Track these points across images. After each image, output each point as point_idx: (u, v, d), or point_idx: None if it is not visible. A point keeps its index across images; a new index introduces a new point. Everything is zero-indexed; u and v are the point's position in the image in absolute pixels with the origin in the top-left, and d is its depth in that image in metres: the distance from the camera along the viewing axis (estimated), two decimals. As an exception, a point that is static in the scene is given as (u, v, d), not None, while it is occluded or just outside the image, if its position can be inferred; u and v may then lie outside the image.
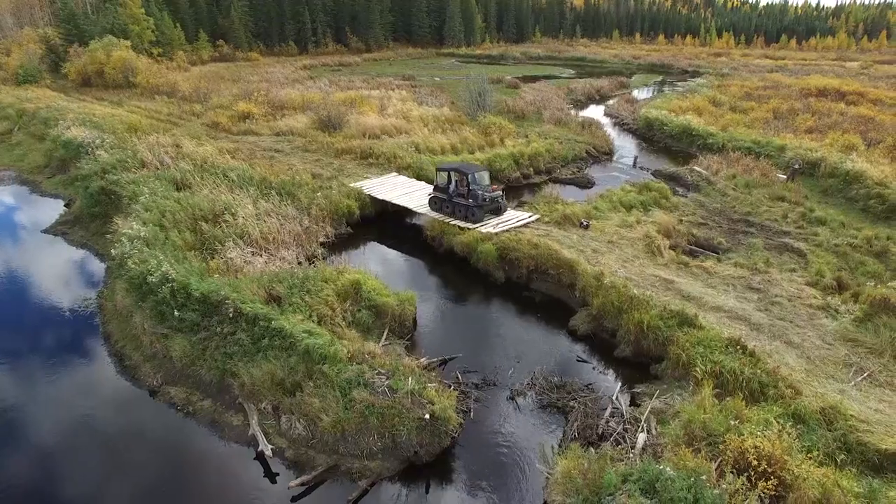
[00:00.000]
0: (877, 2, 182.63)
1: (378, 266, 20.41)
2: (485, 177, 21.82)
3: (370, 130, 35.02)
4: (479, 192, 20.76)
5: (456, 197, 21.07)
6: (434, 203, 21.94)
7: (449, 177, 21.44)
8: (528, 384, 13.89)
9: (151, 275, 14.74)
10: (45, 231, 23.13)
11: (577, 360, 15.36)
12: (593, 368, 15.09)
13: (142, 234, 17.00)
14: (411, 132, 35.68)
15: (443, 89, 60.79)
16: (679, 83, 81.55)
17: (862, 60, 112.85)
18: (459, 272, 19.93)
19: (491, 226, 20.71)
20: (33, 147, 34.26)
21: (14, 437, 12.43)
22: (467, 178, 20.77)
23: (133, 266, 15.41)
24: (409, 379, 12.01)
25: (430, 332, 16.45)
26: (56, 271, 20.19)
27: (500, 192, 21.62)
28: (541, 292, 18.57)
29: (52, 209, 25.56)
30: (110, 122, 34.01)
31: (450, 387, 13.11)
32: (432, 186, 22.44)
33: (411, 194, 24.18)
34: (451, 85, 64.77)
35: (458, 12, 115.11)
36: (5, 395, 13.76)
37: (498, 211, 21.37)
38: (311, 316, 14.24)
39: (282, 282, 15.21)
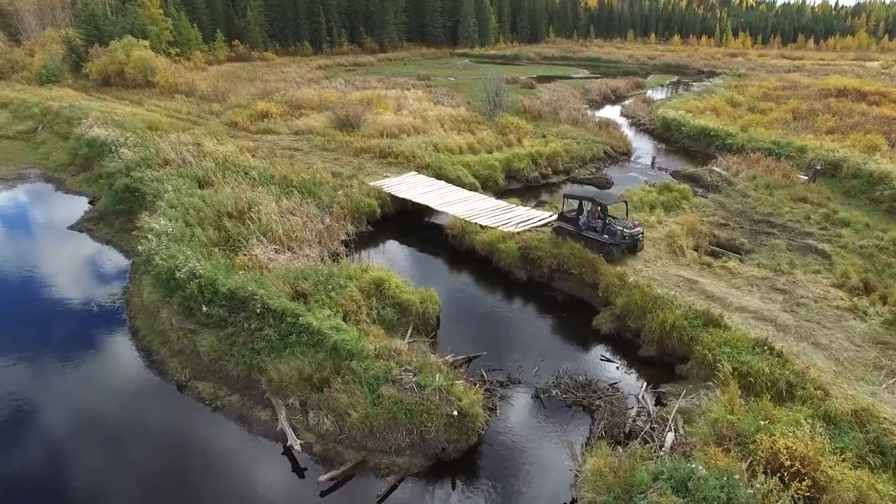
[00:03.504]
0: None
1: (400, 264, 20.53)
2: (622, 208, 19.54)
3: (387, 130, 35.17)
4: (619, 228, 17.95)
5: (587, 230, 18.45)
6: (559, 232, 19.20)
7: (580, 206, 19.02)
8: (554, 383, 13.88)
9: (179, 270, 14.94)
10: (72, 228, 23.51)
11: (602, 360, 15.34)
12: (617, 368, 15.05)
13: (169, 229, 17.23)
14: (428, 132, 35.76)
15: (458, 89, 60.87)
16: (695, 83, 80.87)
17: (883, 60, 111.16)
18: (481, 271, 19.97)
19: (512, 225, 20.71)
20: (57, 145, 34.83)
21: (43, 431, 12.67)
22: (604, 210, 18.17)
23: (161, 262, 15.63)
24: (437, 376, 12.06)
25: (454, 330, 16.51)
26: (83, 267, 20.55)
27: (641, 230, 18.65)
28: (563, 291, 18.54)
29: (78, 206, 25.96)
30: (131, 120, 34.51)
31: (475, 384, 13.15)
32: (557, 214, 19.93)
33: (431, 193, 24.26)
34: (466, 85, 64.87)
35: (472, 13, 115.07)
36: (37, 389, 14.03)
37: (634, 249, 18.50)
38: (336, 312, 14.35)
39: (307, 278, 15.34)
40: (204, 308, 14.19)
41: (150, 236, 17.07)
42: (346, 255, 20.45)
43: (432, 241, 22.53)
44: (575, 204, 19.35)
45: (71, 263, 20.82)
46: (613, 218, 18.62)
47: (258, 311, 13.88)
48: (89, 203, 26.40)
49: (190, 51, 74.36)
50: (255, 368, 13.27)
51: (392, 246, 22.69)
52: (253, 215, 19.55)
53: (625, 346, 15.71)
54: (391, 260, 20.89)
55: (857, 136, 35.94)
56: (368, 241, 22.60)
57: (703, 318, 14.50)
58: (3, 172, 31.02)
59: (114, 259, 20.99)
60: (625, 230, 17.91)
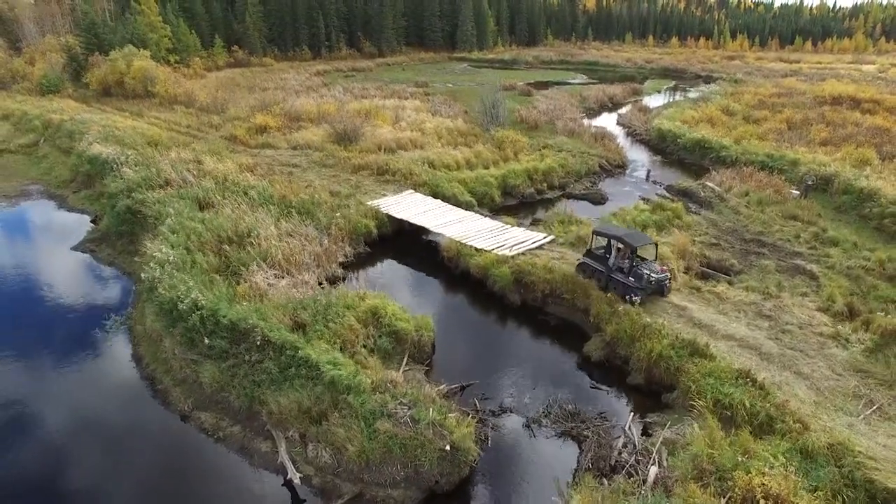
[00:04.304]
0: None
1: (396, 287, 20.97)
2: (651, 251, 18.78)
3: (385, 144, 35.63)
4: (646, 272, 17.38)
5: (615, 271, 17.93)
6: (584, 270, 18.76)
7: (609, 245, 18.35)
8: (544, 412, 14.36)
9: (181, 301, 15.40)
10: (74, 248, 23.94)
11: (591, 387, 15.81)
12: (607, 395, 15.53)
13: (171, 258, 17.67)
14: (426, 146, 36.27)
15: (456, 97, 61.27)
16: (692, 88, 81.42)
17: (879, 63, 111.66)
18: (476, 294, 20.43)
19: (507, 248, 21.17)
20: (59, 160, 35.28)
21: (49, 456, 13.12)
22: (633, 252, 17.48)
23: (164, 292, 16.07)
24: (431, 410, 12.52)
25: (449, 357, 16.97)
26: (86, 290, 20.99)
27: (668, 274, 18.05)
28: (556, 316, 19.02)
29: (80, 226, 26.40)
30: (132, 135, 34.90)
31: (468, 415, 13.61)
32: (584, 252, 19.30)
33: (427, 213, 24.71)
34: (463, 92, 65.32)
35: (471, 17, 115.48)
36: (42, 414, 14.48)
37: (661, 293, 17.98)
38: (334, 343, 14.82)
39: (306, 308, 15.80)
40: (206, 340, 14.65)
41: (152, 264, 17.50)
42: (344, 279, 20.94)
43: (428, 261, 22.98)
44: (604, 242, 18.59)
45: (75, 286, 21.26)
46: (642, 259, 18.06)
47: (259, 343, 14.34)
48: (91, 222, 26.85)
49: (189, 57, 74.76)
50: (256, 400, 13.74)
51: (389, 268, 23.13)
52: (253, 240, 19.98)
53: (614, 373, 16.18)
54: (388, 282, 21.34)
55: (849, 148, 36.42)
56: (366, 262, 23.07)
57: (690, 348, 14.97)
58: (7, 189, 31.46)
59: (116, 282, 21.45)
60: (651, 274, 17.35)
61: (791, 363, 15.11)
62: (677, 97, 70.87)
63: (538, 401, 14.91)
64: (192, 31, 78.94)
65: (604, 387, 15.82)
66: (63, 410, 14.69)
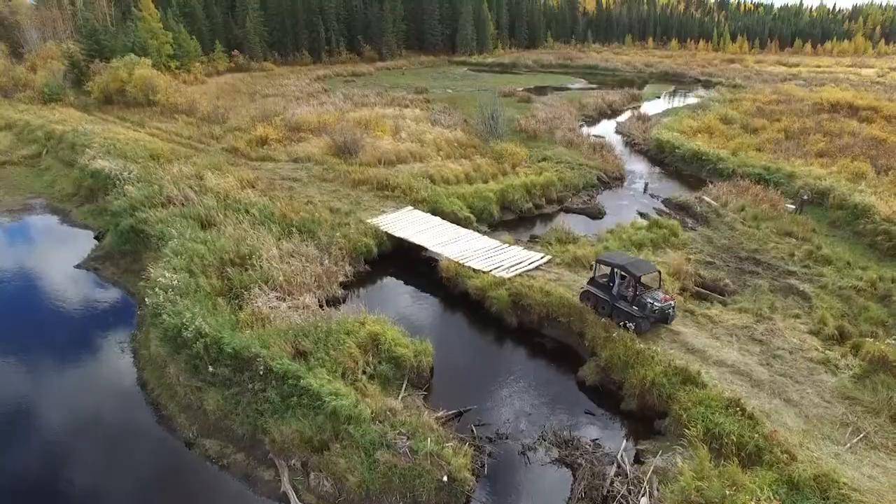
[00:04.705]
0: None
1: (396, 308, 21.30)
2: (656, 279, 18.72)
3: (385, 156, 36.00)
4: (649, 301, 17.38)
5: (619, 300, 17.92)
6: (588, 298, 18.78)
7: (612, 273, 18.29)
8: (539, 438, 14.74)
9: (186, 329, 15.76)
10: (79, 266, 24.29)
11: (586, 412, 16.17)
12: (600, 420, 15.90)
13: (174, 283, 18.02)
14: (426, 158, 36.65)
15: (455, 104, 61.63)
16: (691, 94, 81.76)
17: (878, 67, 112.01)
18: (473, 315, 20.79)
19: (504, 268, 21.53)
20: (62, 173, 35.62)
21: (55, 482, 13.50)
22: (636, 281, 17.45)
23: (168, 319, 16.43)
24: (429, 440, 12.89)
25: (447, 380, 17.31)
26: (91, 310, 21.36)
27: (672, 303, 17.99)
28: (552, 338, 19.39)
29: (84, 242, 26.74)
30: (134, 148, 35.23)
31: (465, 442, 13.99)
32: (588, 279, 19.21)
33: (426, 232, 25.06)
34: (463, 99, 65.63)
35: (471, 20, 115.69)
36: (48, 437, 14.86)
37: (665, 321, 17.99)
38: (335, 370, 15.19)
39: (307, 336, 16.16)
40: (210, 368, 15.01)
41: (157, 290, 17.85)
42: (345, 300, 21.31)
43: (427, 279, 23.30)
44: (608, 271, 18.53)
45: (80, 306, 21.63)
46: (646, 287, 18.05)
47: (261, 372, 14.71)
48: (95, 238, 27.19)
49: (190, 63, 75.06)
50: (259, 428, 14.11)
51: (388, 287, 23.49)
52: (255, 262, 20.34)
53: (608, 398, 16.54)
54: (387, 303, 21.69)
55: (844, 161, 36.79)
56: (366, 280, 23.44)
57: (682, 376, 15.33)
58: (10, 203, 31.82)
59: (120, 302, 21.81)
60: (655, 303, 17.31)
61: (781, 390, 15.48)
62: (676, 103, 71.15)
63: (534, 426, 15.28)
64: (193, 37, 79.19)
65: (598, 412, 16.19)
66: (69, 434, 15.09)
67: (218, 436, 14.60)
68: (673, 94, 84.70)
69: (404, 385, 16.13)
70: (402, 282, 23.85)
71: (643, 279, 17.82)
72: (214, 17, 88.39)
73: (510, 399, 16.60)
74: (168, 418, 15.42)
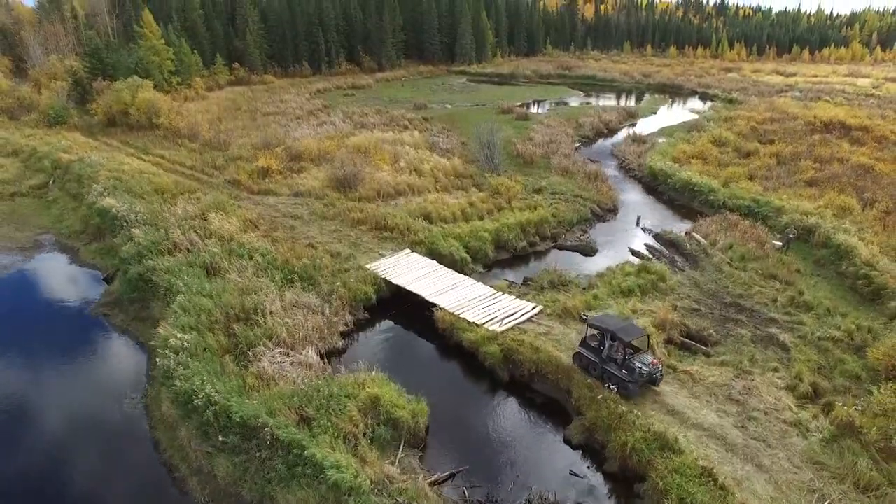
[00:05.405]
0: (894, 8, 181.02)
1: (393, 358, 22.29)
2: (644, 341, 19.47)
3: (384, 189, 37.10)
4: (638, 366, 18.15)
5: (608, 363, 18.78)
6: (580, 360, 19.65)
7: (602, 337, 19.15)
8: (526, 503, 15.77)
9: (197, 396, 16.79)
10: (89, 313, 25.31)
11: (571, 473, 17.21)
12: (584, 481, 16.93)
13: (184, 345, 19.05)
14: (423, 191, 37.69)
15: (454, 122, 62.63)
16: (687, 108, 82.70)
17: (874, 77, 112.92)
18: (468, 366, 21.81)
19: (497, 321, 22.57)
20: (69, 206, 36.65)
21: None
22: (625, 346, 18.32)
23: (179, 384, 17.47)
24: (423, 513, 13.95)
25: (442, 439, 18.33)
26: (103, 361, 22.45)
27: (660, 367, 18.77)
28: (541, 393, 20.42)
29: (93, 284, 27.81)
30: (139, 181, 36.21)
31: (457, 509, 15.05)
32: (580, 340, 20.00)
33: (424, 277, 26.08)
34: (461, 116, 66.58)
35: (469, 29, 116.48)
36: (62, 494, 15.89)
37: (654, 383, 18.74)
38: (337, 436, 16.24)
39: (311, 401, 17.20)
40: (220, 437, 16.05)
41: (167, 351, 18.88)
42: (345, 350, 22.36)
43: (424, 327, 24.17)
44: (598, 335, 19.28)
45: (92, 355, 22.71)
46: (635, 350, 18.84)
47: (268, 440, 15.74)
48: (104, 280, 28.20)
49: (191, 77, 75.99)
50: (267, 496, 15.17)
51: (387, 336, 24.47)
52: (259, 319, 21.38)
53: (593, 458, 17.59)
54: (385, 353, 22.72)
55: (832, 195, 37.78)
56: (366, 327, 24.47)
57: (660, 442, 16.38)
58: (21, 239, 32.83)
59: (131, 352, 22.82)
60: (643, 368, 18.09)
61: (753, 455, 16.52)
62: (673, 119, 71.92)
63: (522, 489, 16.33)
64: (194, 51, 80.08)
65: (582, 472, 17.23)
66: (84, 495, 16.10)
67: (229, 501, 15.64)
68: (670, 106, 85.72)
69: (401, 446, 17.18)
70: (399, 329, 24.87)
71: (633, 342, 18.72)
72: (215, 30, 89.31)
73: (501, 457, 17.64)
74: (181, 480, 16.45)
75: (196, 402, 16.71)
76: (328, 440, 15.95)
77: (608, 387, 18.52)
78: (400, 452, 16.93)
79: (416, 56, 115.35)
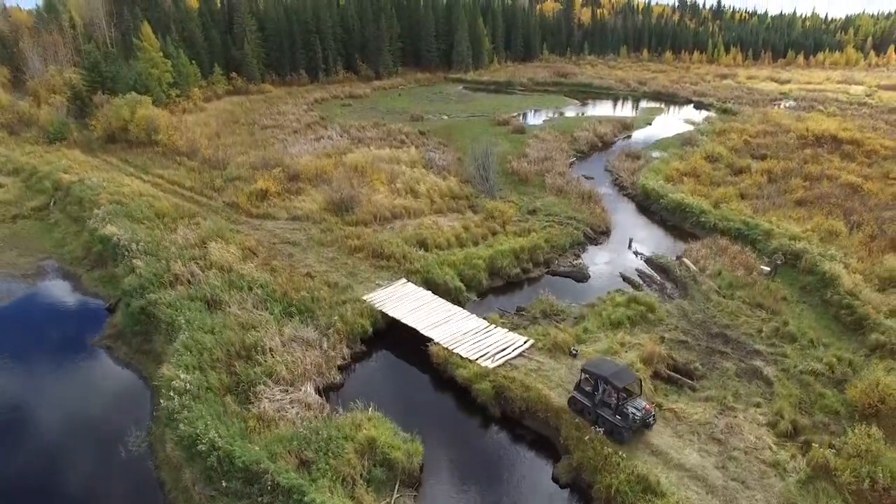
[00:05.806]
0: (888, 12, 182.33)
1: (389, 393, 23.05)
2: (637, 386, 20.13)
3: (380, 212, 37.79)
4: (630, 411, 18.79)
5: (601, 407, 19.35)
6: (574, 404, 20.23)
7: (596, 383, 19.63)
8: (516, 546, 16.56)
9: (200, 441, 17.49)
10: (92, 345, 25.96)
11: (559, 515, 18.00)
12: (573, 521, 17.73)
13: (188, 386, 19.73)
14: (419, 214, 38.40)
15: (451, 136, 63.28)
16: (682, 117, 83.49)
17: (867, 84, 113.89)
18: (461, 401, 22.54)
19: (489, 356, 23.31)
20: (70, 230, 37.26)
21: None
22: (618, 392, 18.95)
23: (183, 428, 18.16)
24: (416, 561, 14.68)
25: (436, 476, 19.08)
26: (107, 395, 23.10)
27: (653, 412, 19.58)
28: (532, 430, 21.16)
29: (96, 314, 28.44)
30: (139, 205, 36.82)
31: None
32: (574, 385, 20.59)
33: (419, 309, 26.79)
34: (458, 129, 67.11)
35: (466, 36, 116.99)
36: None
37: (648, 427, 19.53)
38: (335, 479, 16.98)
39: (310, 444, 17.92)
40: (224, 483, 16.76)
41: (171, 393, 19.56)
42: (342, 385, 23.07)
43: (419, 360, 24.74)
44: (592, 381, 19.79)
45: (96, 389, 23.39)
46: (629, 395, 19.57)
47: (269, 486, 16.46)
48: (107, 309, 28.82)
49: (189, 89, 76.42)
50: (266, 541, 15.88)
51: (382, 369, 25.20)
52: (259, 357, 22.09)
53: (580, 497, 18.36)
54: (381, 387, 23.48)
55: (819, 218, 38.57)
56: (361, 359, 25.20)
57: (643, 484, 17.15)
58: (24, 266, 33.42)
59: (135, 386, 23.48)
60: (636, 413, 18.75)
61: (732, 497, 17.29)
62: (667, 130, 72.58)
63: (512, 531, 17.11)
64: (193, 62, 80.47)
65: (570, 513, 18.02)
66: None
67: (230, 545, 16.36)
68: (665, 114, 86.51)
69: (396, 486, 17.92)
70: (395, 361, 25.60)
71: (626, 387, 19.46)
72: (213, 40, 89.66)
73: (492, 496, 18.39)
74: (185, 524, 17.18)
75: (200, 446, 17.40)
76: (327, 484, 16.69)
77: (595, 429, 19.28)
78: (395, 493, 17.67)
79: (413, 63, 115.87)
